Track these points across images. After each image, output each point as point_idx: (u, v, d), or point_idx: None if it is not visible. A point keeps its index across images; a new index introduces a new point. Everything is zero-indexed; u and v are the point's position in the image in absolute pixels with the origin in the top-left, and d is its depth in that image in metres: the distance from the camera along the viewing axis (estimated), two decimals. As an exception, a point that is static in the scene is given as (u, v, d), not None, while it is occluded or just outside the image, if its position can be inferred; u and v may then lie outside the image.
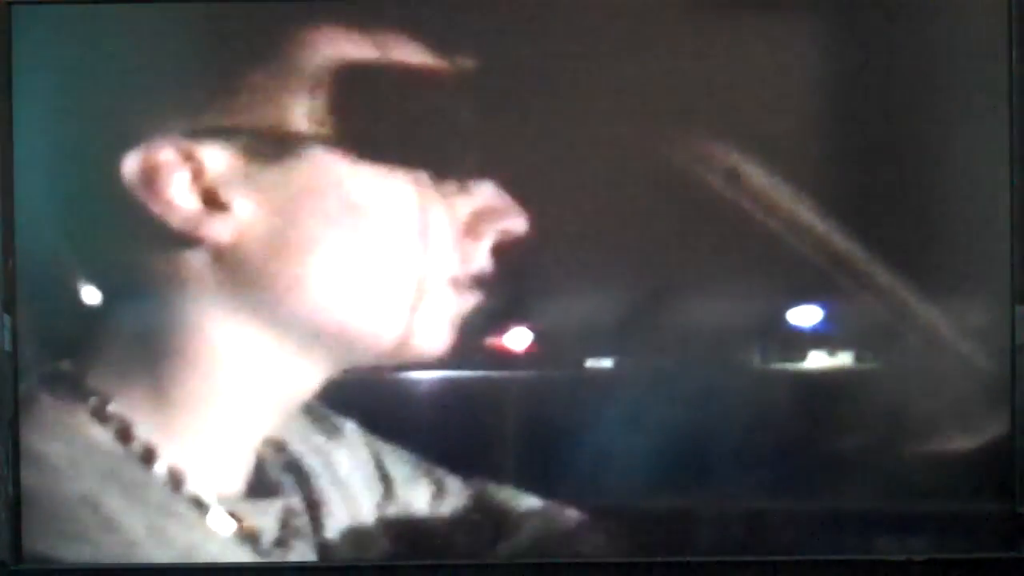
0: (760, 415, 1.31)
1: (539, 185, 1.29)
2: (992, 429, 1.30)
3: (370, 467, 1.30)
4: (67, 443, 1.28)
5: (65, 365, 1.29)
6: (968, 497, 1.31)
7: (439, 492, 1.30)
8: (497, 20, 1.30)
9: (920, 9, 1.31)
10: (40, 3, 1.30)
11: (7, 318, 1.30)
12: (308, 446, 1.30)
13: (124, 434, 1.27)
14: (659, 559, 1.31)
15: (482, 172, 1.27)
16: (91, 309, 1.29)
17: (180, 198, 1.25)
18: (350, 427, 1.30)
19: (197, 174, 1.25)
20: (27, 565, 1.31)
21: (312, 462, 1.30)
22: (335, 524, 1.30)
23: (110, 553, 1.27)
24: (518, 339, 1.30)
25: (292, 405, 1.30)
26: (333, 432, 1.30)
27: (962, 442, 1.31)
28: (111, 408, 1.27)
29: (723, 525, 1.32)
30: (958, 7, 1.31)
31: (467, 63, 1.27)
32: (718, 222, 1.29)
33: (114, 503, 1.27)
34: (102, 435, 1.27)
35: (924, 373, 1.31)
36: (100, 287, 1.30)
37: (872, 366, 1.31)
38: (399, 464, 1.30)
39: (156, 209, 1.25)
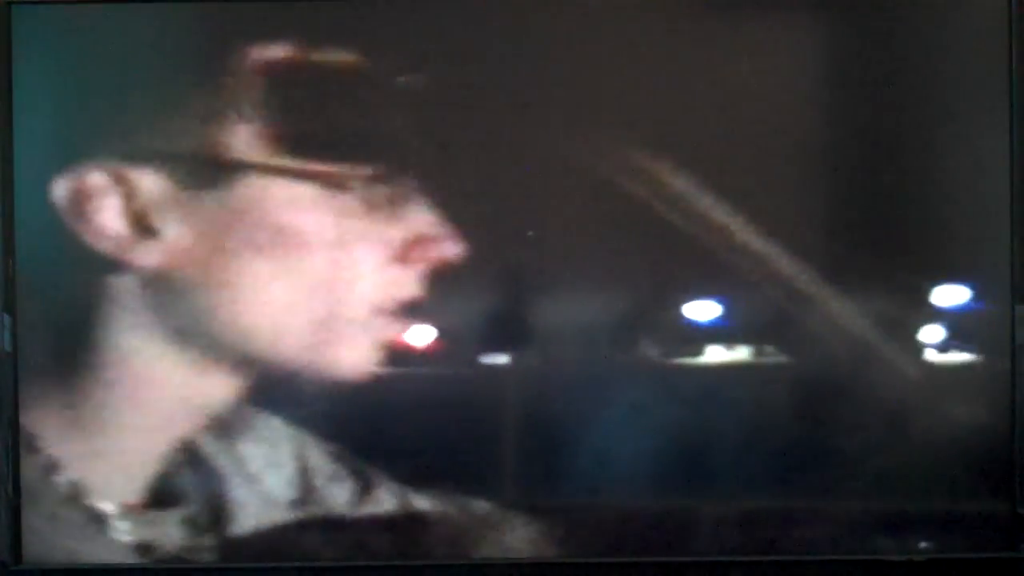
0: (760, 415, 1.31)
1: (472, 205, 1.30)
2: (992, 429, 1.30)
3: (289, 473, 1.30)
4: None
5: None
6: (968, 497, 1.31)
7: (363, 491, 1.30)
8: (437, 42, 1.30)
9: (920, 9, 1.31)
10: (40, 3, 1.30)
11: (7, 318, 1.30)
12: (216, 460, 1.30)
13: (29, 446, 1.29)
14: (659, 559, 1.31)
15: (415, 197, 1.28)
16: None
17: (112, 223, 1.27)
18: (265, 436, 1.30)
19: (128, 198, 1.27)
20: (27, 565, 1.31)
21: (221, 471, 1.30)
22: (245, 529, 1.30)
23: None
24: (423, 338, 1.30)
25: (205, 421, 1.29)
26: (245, 443, 1.30)
27: (962, 442, 1.31)
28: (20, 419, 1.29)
29: (724, 525, 1.32)
30: (958, 7, 1.31)
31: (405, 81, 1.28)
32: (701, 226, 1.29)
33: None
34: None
35: (924, 373, 1.31)
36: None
37: (872, 366, 1.31)
38: (322, 465, 1.30)
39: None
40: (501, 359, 1.31)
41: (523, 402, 1.31)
